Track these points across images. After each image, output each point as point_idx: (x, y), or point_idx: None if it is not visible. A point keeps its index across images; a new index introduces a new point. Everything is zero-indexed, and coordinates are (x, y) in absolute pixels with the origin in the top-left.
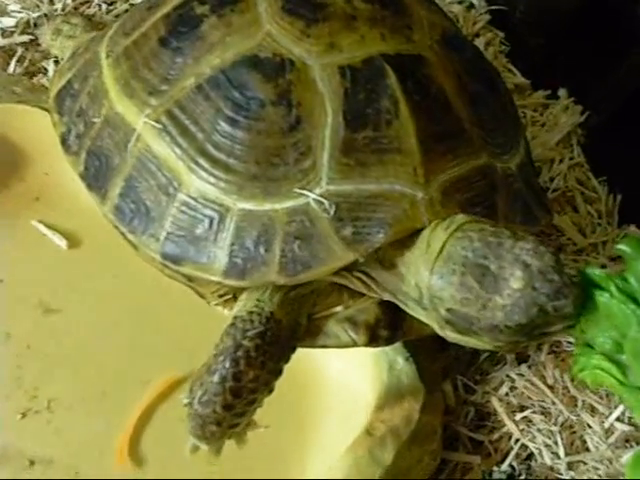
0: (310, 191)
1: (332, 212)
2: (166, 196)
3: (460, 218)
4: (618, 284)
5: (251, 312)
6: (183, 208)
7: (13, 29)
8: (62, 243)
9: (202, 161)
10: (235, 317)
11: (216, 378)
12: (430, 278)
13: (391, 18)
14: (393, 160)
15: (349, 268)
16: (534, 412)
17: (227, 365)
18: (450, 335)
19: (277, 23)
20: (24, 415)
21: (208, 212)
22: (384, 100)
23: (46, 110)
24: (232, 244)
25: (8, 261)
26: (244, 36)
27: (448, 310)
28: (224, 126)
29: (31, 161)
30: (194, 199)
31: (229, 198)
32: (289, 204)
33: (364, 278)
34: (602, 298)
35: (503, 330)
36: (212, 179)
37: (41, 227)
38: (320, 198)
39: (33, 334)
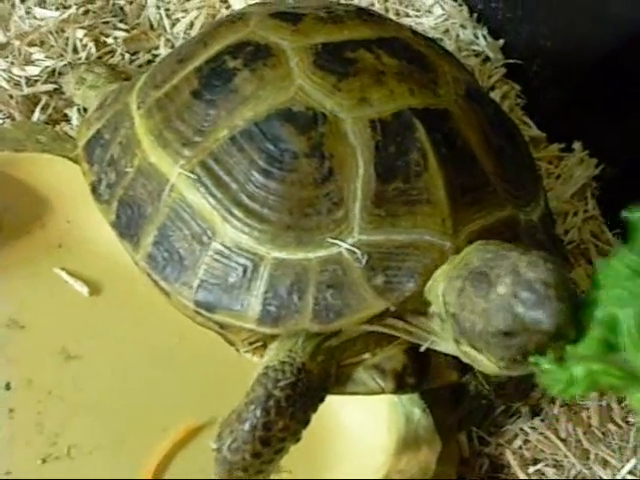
0: (342, 241)
1: (364, 261)
2: (200, 245)
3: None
4: None
5: (283, 362)
6: (217, 257)
7: (37, 78)
8: (83, 290)
9: (236, 211)
10: (267, 367)
11: (247, 427)
12: (443, 284)
13: (418, 73)
14: (422, 211)
15: (380, 316)
16: (547, 465)
17: (258, 414)
18: (464, 350)
19: (309, 77)
20: (44, 461)
21: (242, 261)
22: (413, 153)
23: (70, 159)
24: (266, 292)
25: (30, 308)
26: (277, 90)
27: (453, 316)
28: (258, 177)
29: (54, 209)
30: (228, 248)
31: (263, 247)
32: (322, 253)
33: (399, 324)
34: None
35: (489, 340)
36: (246, 229)
37: (63, 274)
38: (352, 248)
39: (54, 380)
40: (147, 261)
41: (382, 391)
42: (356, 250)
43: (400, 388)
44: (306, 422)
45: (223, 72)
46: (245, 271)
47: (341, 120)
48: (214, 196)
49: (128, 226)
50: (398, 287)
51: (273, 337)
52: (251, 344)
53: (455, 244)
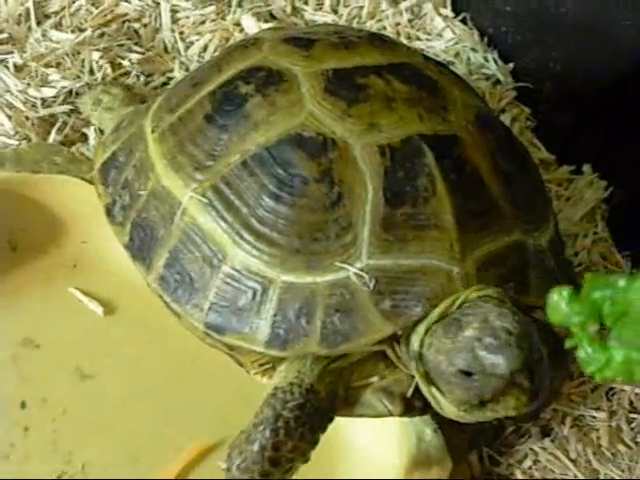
0: (351, 265)
1: (372, 286)
2: (210, 268)
3: (473, 289)
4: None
5: (291, 383)
6: (227, 280)
7: (53, 99)
8: (98, 310)
9: (246, 235)
10: (276, 388)
11: (255, 447)
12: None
13: (428, 99)
14: (430, 236)
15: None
16: None
17: (267, 435)
18: (430, 392)
19: (319, 103)
20: (59, 478)
21: (251, 284)
22: (422, 178)
23: (86, 180)
24: (274, 315)
25: (45, 327)
26: (288, 115)
27: (419, 355)
28: (268, 201)
29: (69, 229)
30: (238, 271)
31: (272, 271)
32: (330, 277)
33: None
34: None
35: (450, 380)
36: (256, 252)
37: (78, 294)
38: (360, 272)
39: (69, 399)
40: (159, 283)
41: (390, 414)
42: (364, 275)
43: (408, 412)
44: (315, 442)
45: (235, 97)
46: (254, 294)
47: (350, 146)
48: (225, 220)
49: (141, 248)
50: (405, 311)
51: (282, 359)
52: (260, 366)
53: (463, 269)
